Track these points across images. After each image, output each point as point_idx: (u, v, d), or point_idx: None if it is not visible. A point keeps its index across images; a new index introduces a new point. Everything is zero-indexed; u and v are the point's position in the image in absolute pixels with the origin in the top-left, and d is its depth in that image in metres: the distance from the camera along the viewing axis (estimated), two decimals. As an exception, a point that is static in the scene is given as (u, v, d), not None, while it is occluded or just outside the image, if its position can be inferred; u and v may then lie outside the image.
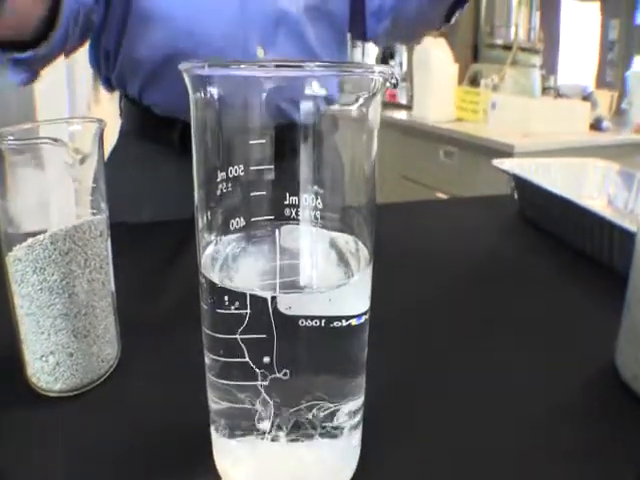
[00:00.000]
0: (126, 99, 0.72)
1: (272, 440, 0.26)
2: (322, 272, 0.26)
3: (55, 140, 0.28)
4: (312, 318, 0.24)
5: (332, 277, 0.26)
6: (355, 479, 0.28)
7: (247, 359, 0.24)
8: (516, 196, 0.71)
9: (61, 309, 0.31)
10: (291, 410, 0.25)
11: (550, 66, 2.03)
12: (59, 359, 0.32)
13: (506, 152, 1.61)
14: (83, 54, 0.69)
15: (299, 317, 0.23)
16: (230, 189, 0.25)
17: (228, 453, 0.27)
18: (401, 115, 2.33)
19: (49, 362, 0.32)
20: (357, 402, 0.27)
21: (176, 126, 0.67)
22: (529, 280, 0.53)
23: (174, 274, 0.51)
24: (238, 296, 0.23)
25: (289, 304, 0.23)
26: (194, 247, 0.25)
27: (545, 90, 1.92)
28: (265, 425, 0.25)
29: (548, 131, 1.69)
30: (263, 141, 0.25)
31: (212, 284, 0.24)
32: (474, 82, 1.97)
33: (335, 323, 0.24)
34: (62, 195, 0.31)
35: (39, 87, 1.62)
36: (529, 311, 0.46)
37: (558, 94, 1.94)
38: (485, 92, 1.88)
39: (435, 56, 1.92)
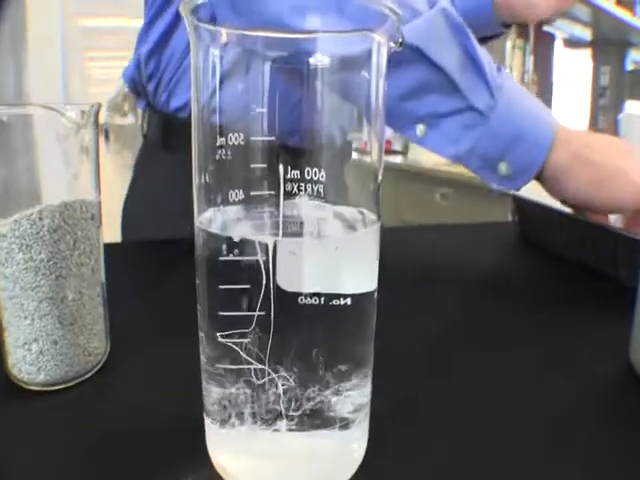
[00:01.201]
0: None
1: (272, 430, 0.24)
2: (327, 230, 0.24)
3: (48, 107, 0.27)
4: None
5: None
6: (359, 472, 0.26)
7: (246, 339, 0.23)
8: (516, 218, 0.70)
9: (47, 292, 0.30)
10: (292, 397, 0.23)
11: (544, 110, 2.06)
12: (43, 347, 0.30)
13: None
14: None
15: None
16: (230, 157, 0.24)
17: (224, 445, 0.25)
18: (396, 159, 2.35)
19: (32, 350, 0.30)
20: (362, 391, 0.25)
21: None
22: (535, 293, 0.51)
23: (175, 284, 0.49)
24: (237, 245, 0.22)
25: (293, 249, 0.21)
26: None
27: (540, 133, 1.95)
28: (264, 413, 0.23)
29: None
30: (264, 110, 0.24)
31: (210, 236, 0.23)
32: (470, 126, 2.00)
33: (337, 300, 0.23)
34: (54, 171, 0.30)
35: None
36: (538, 319, 0.44)
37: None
38: (481, 135, 1.90)
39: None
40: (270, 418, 0.24)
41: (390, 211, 2.20)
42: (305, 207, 0.24)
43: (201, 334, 0.25)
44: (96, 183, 0.33)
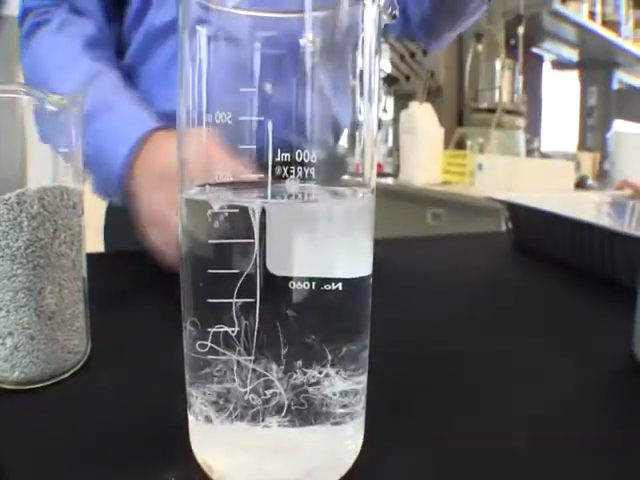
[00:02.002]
0: None
1: (261, 426, 0.22)
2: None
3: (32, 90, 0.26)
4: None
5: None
6: (355, 468, 0.24)
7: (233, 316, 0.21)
8: (510, 226, 0.69)
9: (23, 282, 0.28)
10: (282, 390, 0.22)
11: (533, 130, 2.09)
12: (18, 342, 0.29)
13: (495, 209, 1.61)
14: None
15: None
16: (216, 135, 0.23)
17: (210, 443, 0.23)
18: (387, 181, 2.35)
19: (6, 345, 0.28)
20: (356, 380, 0.24)
21: None
22: (533, 295, 0.50)
23: (156, 293, 0.48)
24: (222, 212, 0.20)
25: (281, 215, 0.20)
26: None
27: (529, 152, 1.96)
28: (252, 408, 0.22)
29: (535, 190, 1.70)
30: (254, 89, 0.23)
31: (195, 204, 0.21)
32: (460, 146, 2.01)
33: (329, 285, 0.22)
34: (37, 156, 0.29)
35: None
36: (538, 318, 0.43)
37: (542, 156, 1.98)
38: (471, 154, 1.91)
39: (421, 120, 1.96)
40: (259, 413, 0.22)
41: (381, 231, 2.19)
42: (295, 188, 0.23)
43: (185, 325, 0.23)
44: (79, 171, 0.31)
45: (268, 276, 0.21)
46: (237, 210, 0.21)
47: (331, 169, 0.23)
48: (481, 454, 0.25)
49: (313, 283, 0.22)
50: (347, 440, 0.24)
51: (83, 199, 0.32)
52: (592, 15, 1.82)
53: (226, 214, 0.21)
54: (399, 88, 2.22)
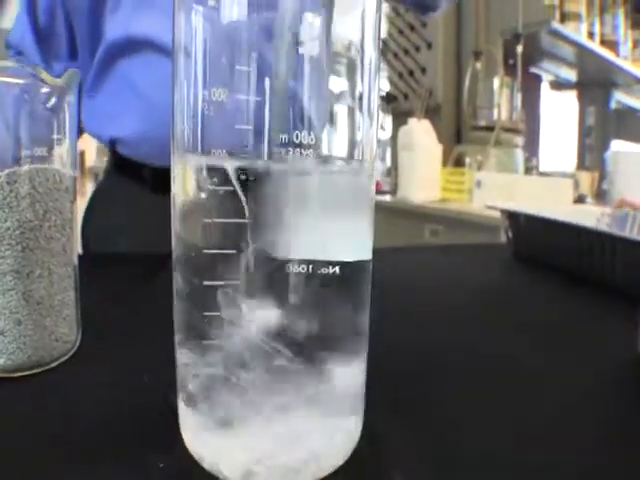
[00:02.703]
0: None
1: (254, 409, 0.21)
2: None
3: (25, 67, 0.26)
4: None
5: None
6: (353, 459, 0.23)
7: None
8: (510, 235, 0.69)
9: (12, 264, 0.27)
10: (277, 375, 0.21)
11: (532, 149, 2.09)
12: (5, 327, 0.28)
13: (493, 226, 1.61)
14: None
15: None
16: (212, 114, 0.22)
17: (201, 430, 0.22)
18: (385, 198, 2.35)
19: (-8, 330, 0.28)
20: (355, 368, 0.23)
21: (147, 166, 0.65)
22: (534, 300, 0.49)
23: (142, 294, 0.47)
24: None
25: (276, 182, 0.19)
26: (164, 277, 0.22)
27: (527, 171, 1.96)
28: (246, 393, 0.21)
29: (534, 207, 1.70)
30: (250, 69, 0.22)
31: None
32: (458, 164, 2.01)
33: (327, 269, 0.21)
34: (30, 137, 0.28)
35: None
36: (541, 323, 0.42)
37: (541, 175, 1.98)
38: (470, 172, 1.91)
39: (419, 137, 1.96)
40: (252, 398, 0.21)
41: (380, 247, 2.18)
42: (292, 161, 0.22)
43: (175, 303, 0.22)
44: (73, 157, 0.31)
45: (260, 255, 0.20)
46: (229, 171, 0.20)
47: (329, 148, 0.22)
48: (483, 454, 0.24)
49: (310, 266, 0.21)
50: (346, 429, 0.23)
51: (76, 187, 0.32)
52: (591, 35, 1.83)
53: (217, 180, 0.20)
54: (397, 106, 2.23)
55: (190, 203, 0.22)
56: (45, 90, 0.28)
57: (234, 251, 0.21)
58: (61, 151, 0.30)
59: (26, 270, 0.28)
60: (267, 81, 0.21)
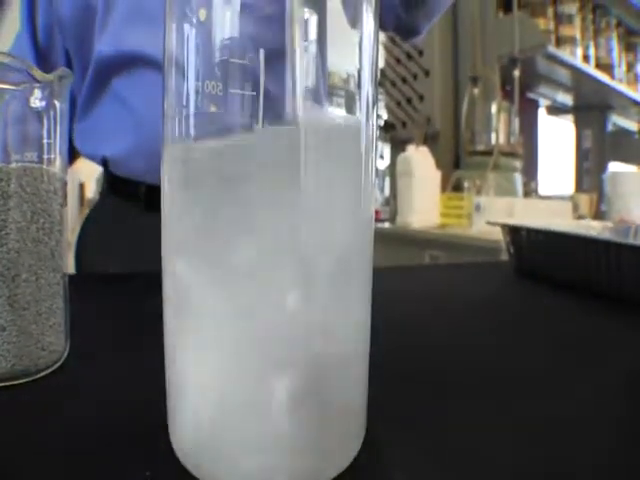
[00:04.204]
0: None
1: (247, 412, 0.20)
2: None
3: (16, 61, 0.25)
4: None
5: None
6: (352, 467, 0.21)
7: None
8: (512, 250, 0.67)
9: (-4, 267, 0.26)
10: None
11: (530, 173, 2.10)
12: (-13, 333, 0.26)
13: (493, 249, 1.60)
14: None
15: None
16: (204, 102, 0.21)
17: (189, 433, 0.21)
18: (384, 225, 2.35)
19: (-26, 336, 0.26)
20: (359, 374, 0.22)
21: (141, 184, 0.65)
22: (537, 311, 0.48)
23: (138, 312, 0.45)
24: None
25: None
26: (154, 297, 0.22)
27: (526, 194, 1.96)
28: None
29: (533, 230, 1.69)
30: (245, 62, 0.22)
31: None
32: (457, 189, 2.01)
33: None
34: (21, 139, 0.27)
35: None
36: (543, 331, 0.41)
37: (540, 197, 1.98)
38: (469, 196, 1.91)
39: (418, 163, 1.97)
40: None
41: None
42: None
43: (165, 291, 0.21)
44: (63, 160, 0.30)
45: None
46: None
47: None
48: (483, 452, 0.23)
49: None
50: (345, 433, 0.22)
51: (66, 190, 0.31)
52: (586, 58, 1.85)
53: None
54: (395, 134, 2.24)
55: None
56: (36, 91, 0.27)
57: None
58: (51, 156, 0.29)
59: (11, 273, 0.27)
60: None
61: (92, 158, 0.67)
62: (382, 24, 0.73)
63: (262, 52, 0.20)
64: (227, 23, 0.20)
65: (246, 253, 0.19)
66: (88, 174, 2.21)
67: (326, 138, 0.20)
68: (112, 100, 0.62)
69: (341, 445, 0.21)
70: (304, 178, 0.20)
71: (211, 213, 0.19)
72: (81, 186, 2.74)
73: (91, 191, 2.84)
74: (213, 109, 0.20)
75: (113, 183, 0.68)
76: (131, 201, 0.66)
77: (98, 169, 0.72)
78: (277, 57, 0.20)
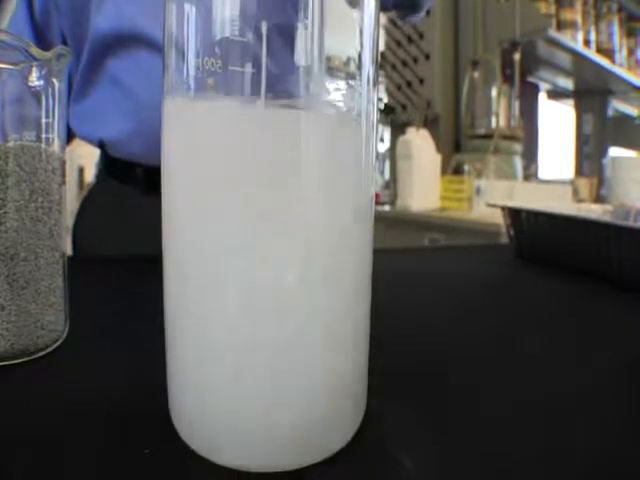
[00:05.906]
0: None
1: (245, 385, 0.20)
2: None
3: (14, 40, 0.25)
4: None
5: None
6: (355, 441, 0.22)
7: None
8: (512, 233, 0.67)
9: (-5, 245, 0.26)
10: None
11: (530, 156, 2.09)
12: (-13, 312, 0.26)
13: (493, 232, 1.60)
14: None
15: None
16: (204, 76, 0.21)
17: (191, 412, 0.21)
18: (384, 208, 2.34)
19: (-26, 315, 0.26)
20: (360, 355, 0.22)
21: (139, 166, 0.64)
22: (538, 293, 0.48)
23: (133, 294, 0.46)
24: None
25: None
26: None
27: (526, 178, 1.96)
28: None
29: (533, 214, 1.69)
30: (245, 39, 0.21)
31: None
32: (457, 172, 2.01)
33: None
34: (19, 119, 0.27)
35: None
36: (544, 315, 0.41)
37: (539, 181, 1.98)
38: (469, 179, 1.90)
39: (418, 146, 1.96)
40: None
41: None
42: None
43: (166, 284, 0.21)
44: (62, 140, 0.30)
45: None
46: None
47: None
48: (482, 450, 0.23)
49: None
50: (345, 413, 0.22)
51: (65, 170, 0.30)
52: (587, 43, 1.84)
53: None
54: (395, 118, 2.22)
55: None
56: (35, 70, 0.27)
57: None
58: (49, 135, 0.29)
59: (10, 252, 0.27)
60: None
61: (89, 140, 0.67)
62: (382, 2, 0.72)
63: (264, 29, 0.20)
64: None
65: (246, 234, 0.19)
66: (89, 158, 2.19)
67: (327, 120, 0.20)
68: (108, 82, 0.61)
69: (345, 417, 0.21)
70: (305, 159, 0.19)
71: (211, 189, 0.19)
72: (81, 170, 2.72)
73: (91, 175, 2.84)
74: (212, 85, 0.20)
75: (110, 165, 0.68)
76: (129, 183, 0.66)
77: (98, 153, 0.71)
78: (278, 35, 0.20)
